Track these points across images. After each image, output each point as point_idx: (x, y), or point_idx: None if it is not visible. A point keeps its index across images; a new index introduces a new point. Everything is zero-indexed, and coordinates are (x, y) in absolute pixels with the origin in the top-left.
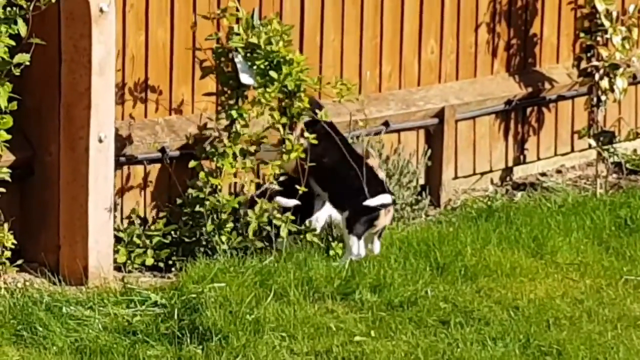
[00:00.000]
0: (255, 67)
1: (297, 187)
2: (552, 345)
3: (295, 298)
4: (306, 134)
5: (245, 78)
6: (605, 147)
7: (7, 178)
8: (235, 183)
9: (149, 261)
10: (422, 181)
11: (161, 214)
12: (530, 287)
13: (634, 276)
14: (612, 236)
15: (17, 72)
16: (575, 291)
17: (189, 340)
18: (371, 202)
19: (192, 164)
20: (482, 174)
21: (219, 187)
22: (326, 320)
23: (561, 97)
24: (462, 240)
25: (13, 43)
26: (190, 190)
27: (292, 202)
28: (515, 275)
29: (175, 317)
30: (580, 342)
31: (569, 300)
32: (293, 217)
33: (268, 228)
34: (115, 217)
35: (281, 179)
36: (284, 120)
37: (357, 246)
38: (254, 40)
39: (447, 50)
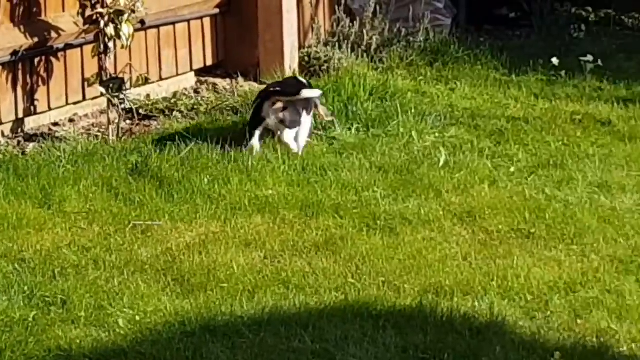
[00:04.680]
0: None
1: None
2: (57, 294)
3: None
4: None
5: None
6: (116, 94)
7: None
8: None
9: None
10: None
11: None
12: (37, 238)
13: (142, 221)
14: (122, 182)
15: None
16: (83, 239)
17: None
18: None
19: None
20: None
21: None
22: None
23: (69, 46)
24: None
25: None
26: None
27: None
28: (22, 226)
29: None
30: (86, 290)
31: (76, 249)
32: None
33: None
34: None
35: None
36: None
37: None
38: None
39: None
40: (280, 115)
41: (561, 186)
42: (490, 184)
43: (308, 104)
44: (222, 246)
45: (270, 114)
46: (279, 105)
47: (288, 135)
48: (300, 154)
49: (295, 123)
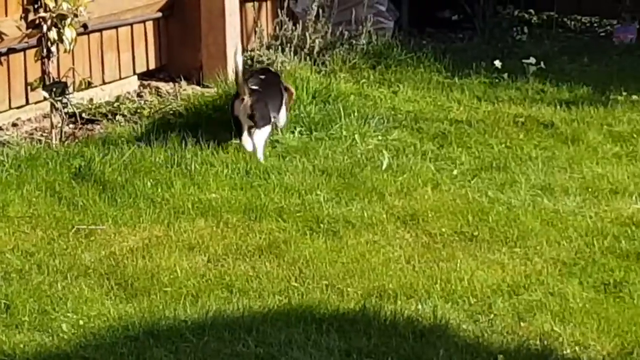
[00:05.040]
0: None
1: None
2: (0, 299)
3: None
4: None
5: None
6: (59, 98)
7: None
8: None
9: None
10: None
11: None
12: None
13: (86, 225)
14: (65, 187)
15: None
16: (27, 244)
17: None
18: None
19: None
20: None
21: None
22: None
23: (12, 50)
24: None
25: None
26: None
27: None
28: None
29: None
30: (29, 294)
31: (19, 254)
32: None
33: None
34: None
35: None
36: None
37: None
38: None
39: None
40: (249, 111)
41: (504, 189)
42: (433, 187)
43: (278, 99)
44: (165, 250)
45: (241, 111)
46: (247, 101)
47: (258, 137)
48: (261, 158)
49: (265, 120)
